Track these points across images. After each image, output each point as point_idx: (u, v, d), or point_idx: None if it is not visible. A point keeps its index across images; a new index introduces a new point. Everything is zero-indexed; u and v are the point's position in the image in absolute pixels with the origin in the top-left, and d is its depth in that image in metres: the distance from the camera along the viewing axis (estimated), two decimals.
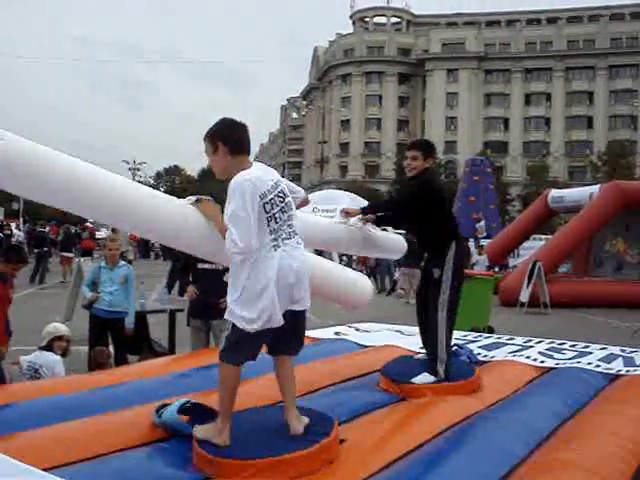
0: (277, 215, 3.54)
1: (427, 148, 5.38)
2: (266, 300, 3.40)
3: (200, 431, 3.55)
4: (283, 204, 3.60)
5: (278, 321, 3.45)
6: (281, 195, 3.61)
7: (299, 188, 4.03)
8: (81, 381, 5.12)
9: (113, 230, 29.88)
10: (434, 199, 5.23)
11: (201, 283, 7.00)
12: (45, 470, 3.04)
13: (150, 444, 3.74)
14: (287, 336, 3.63)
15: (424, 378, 5.07)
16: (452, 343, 5.98)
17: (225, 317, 3.54)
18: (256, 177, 3.50)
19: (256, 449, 3.43)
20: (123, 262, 7.86)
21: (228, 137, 3.64)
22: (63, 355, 6.49)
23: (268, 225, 3.48)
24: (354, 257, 34.64)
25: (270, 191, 3.53)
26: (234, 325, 3.48)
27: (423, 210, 5.16)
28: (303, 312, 3.71)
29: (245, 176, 3.47)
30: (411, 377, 5.09)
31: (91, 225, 37.11)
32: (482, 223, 26.65)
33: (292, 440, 3.54)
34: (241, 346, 3.50)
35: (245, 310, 3.41)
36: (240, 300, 3.44)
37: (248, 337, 3.45)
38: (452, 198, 27.96)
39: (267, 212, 3.49)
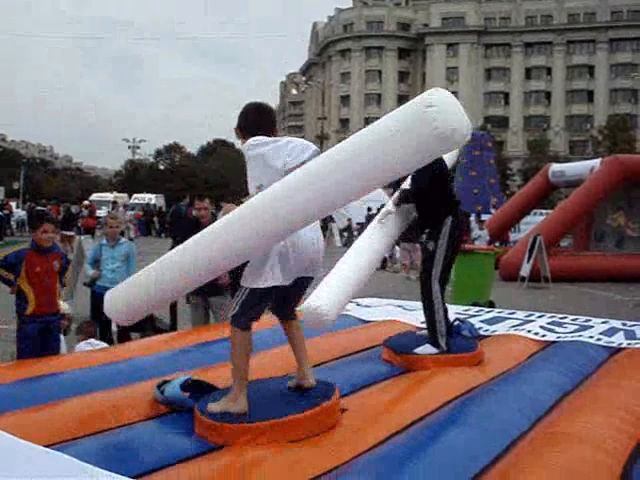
0: None
1: None
2: (275, 259, 3.55)
3: (215, 407, 3.57)
4: None
5: (284, 281, 3.60)
6: None
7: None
8: (84, 358, 5.14)
9: (113, 205, 29.83)
10: (435, 175, 5.30)
11: None
12: (48, 446, 3.06)
13: (153, 419, 3.77)
14: (294, 301, 3.89)
15: (426, 349, 5.12)
16: (454, 318, 6.06)
17: (241, 283, 3.65)
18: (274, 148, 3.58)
19: (256, 413, 3.48)
20: (124, 239, 7.82)
21: (243, 123, 3.83)
22: (64, 333, 6.50)
23: None
24: (355, 233, 34.75)
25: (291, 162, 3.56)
26: (244, 289, 3.61)
27: (423, 186, 5.31)
28: (311, 279, 3.86)
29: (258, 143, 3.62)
30: (413, 349, 5.14)
31: (91, 203, 37.12)
32: (492, 210, 26.45)
33: (292, 404, 3.59)
34: (250, 308, 3.61)
35: (255, 268, 3.57)
36: (253, 262, 3.58)
37: (256, 297, 3.58)
38: (452, 173, 27.86)
39: None
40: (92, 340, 6.28)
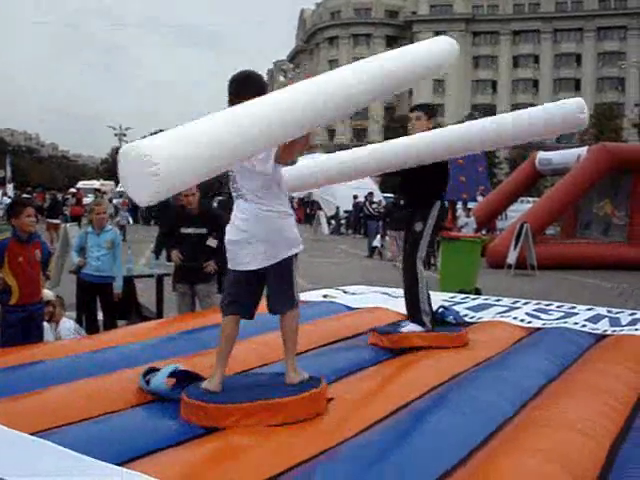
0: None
1: (430, 109, 5.69)
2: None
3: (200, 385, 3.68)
4: None
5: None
6: None
7: None
8: (69, 346, 5.12)
9: (97, 192, 29.62)
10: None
11: (185, 247, 6.97)
12: (34, 434, 3.05)
13: (139, 406, 3.77)
14: (268, 293, 3.89)
15: (412, 327, 5.17)
16: (439, 305, 6.09)
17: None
18: None
19: (243, 395, 3.51)
20: (110, 226, 7.78)
21: (232, 90, 3.80)
22: (49, 320, 6.48)
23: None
24: (342, 221, 34.73)
25: None
26: None
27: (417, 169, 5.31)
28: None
29: None
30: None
31: (78, 191, 36.92)
32: (479, 197, 26.42)
33: (280, 389, 3.61)
34: (226, 292, 3.85)
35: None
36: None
37: (230, 282, 3.82)
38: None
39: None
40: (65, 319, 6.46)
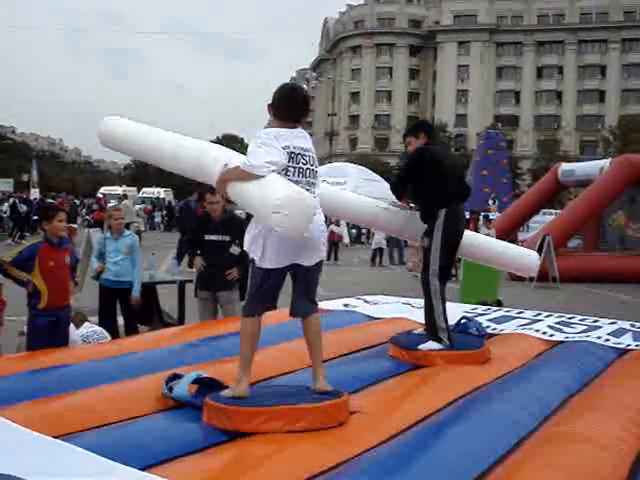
0: (297, 170, 3.76)
1: (414, 129, 5.65)
2: (267, 241, 3.69)
3: (223, 393, 3.70)
4: (306, 166, 3.80)
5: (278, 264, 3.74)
6: (305, 159, 3.81)
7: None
8: (93, 350, 5.16)
9: (124, 197, 29.93)
10: (425, 168, 5.31)
11: (208, 255, 7.00)
12: (57, 438, 3.08)
13: (161, 412, 3.79)
14: (295, 295, 3.92)
15: (430, 345, 5.12)
16: (461, 316, 6.05)
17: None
18: (276, 132, 3.79)
19: (267, 400, 3.55)
20: (128, 232, 7.81)
21: (274, 102, 3.94)
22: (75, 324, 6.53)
23: (286, 174, 3.71)
24: (363, 230, 34.71)
25: (293, 147, 3.76)
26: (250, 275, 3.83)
27: (415, 179, 5.35)
28: (309, 270, 3.85)
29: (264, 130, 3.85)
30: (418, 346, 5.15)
31: (103, 196, 37.24)
32: (490, 201, 26.51)
33: (305, 396, 3.64)
34: (252, 295, 3.83)
35: (254, 246, 3.77)
36: (253, 240, 3.78)
37: (257, 283, 3.78)
38: (463, 170, 27.76)
39: (288, 161, 3.73)
40: (87, 324, 6.49)
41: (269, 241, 3.69)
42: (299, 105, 3.94)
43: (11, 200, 31.15)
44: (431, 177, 5.28)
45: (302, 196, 3.51)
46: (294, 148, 3.75)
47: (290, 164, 3.73)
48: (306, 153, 3.82)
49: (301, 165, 3.77)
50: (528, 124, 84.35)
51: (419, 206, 5.47)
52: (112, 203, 34.52)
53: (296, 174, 3.75)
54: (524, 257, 6.19)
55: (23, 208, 28.75)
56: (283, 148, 3.71)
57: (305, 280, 3.89)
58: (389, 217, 5.66)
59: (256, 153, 3.69)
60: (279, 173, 3.67)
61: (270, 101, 3.95)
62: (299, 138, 3.85)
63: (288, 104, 3.91)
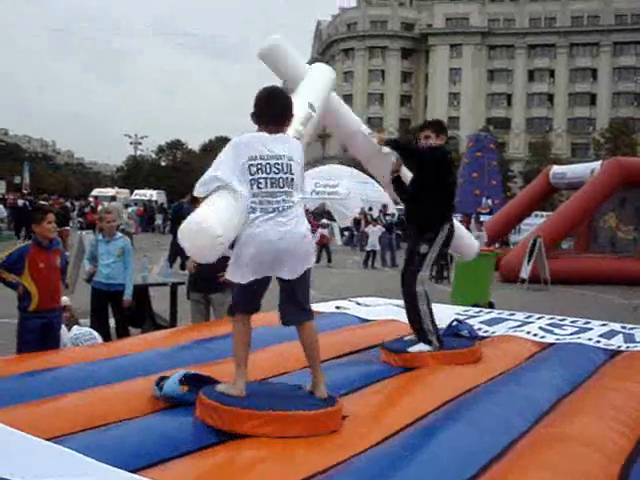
0: (269, 180, 3.64)
1: (439, 127, 5.54)
2: (245, 259, 3.63)
3: (218, 387, 3.70)
4: (279, 175, 3.66)
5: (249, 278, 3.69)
6: (278, 168, 3.67)
7: None
8: (84, 353, 5.15)
9: (112, 199, 29.83)
10: (442, 168, 5.30)
11: None
12: (49, 440, 3.07)
13: (152, 414, 3.78)
14: (282, 304, 3.85)
15: (420, 347, 5.12)
16: (453, 319, 6.07)
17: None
18: (247, 140, 3.70)
19: (262, 402, 3.51)
20: (120, 234, 7.79)
21: (255, 110, 3.84)
22: (67, 325, 6.52)
23: (251, 187, 3.61)
24: (355, 233, 34.78)
25: (262, 157, 3.63)
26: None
27: (426, 176, 5.27)
28: (291, 281, 3.76)
29: (238, 137, 3.77)
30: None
31: (96, 199, 37.20)
32: (484, 199, 26.62)
33: (301, 401, 3.62)
34: (235, 296, 3.85)
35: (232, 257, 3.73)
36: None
37: (239, 285, 3.72)
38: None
39: (251, 174, 3.62)
40: (76, 326, 6.45)
41: (241, 255, 3.62)
42: (278, 108, 3.82)
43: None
44: (441, 180, 5.28)
45: (200, 227, 3.50)
46: (264, 157, 3.63)
47: (260, 175, 3.61)
48: (279, 161, 3.66)
49: (273, 175, 3.62)
50: (520, 127, 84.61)
51: (422, 211, 5.38)
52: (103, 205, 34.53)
53: (268, 185, 3.61)
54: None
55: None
56: (249, 159, 3.61)
57: (287, 290, 3.79)
58: (365, 142, 5.86)
59: (213, 165, 3.69)
60: (251, 185, 3.60)
61: (254, 109, 3.85)
62: (277, 143, 3.72)
63: (266, 108, 3.80)
